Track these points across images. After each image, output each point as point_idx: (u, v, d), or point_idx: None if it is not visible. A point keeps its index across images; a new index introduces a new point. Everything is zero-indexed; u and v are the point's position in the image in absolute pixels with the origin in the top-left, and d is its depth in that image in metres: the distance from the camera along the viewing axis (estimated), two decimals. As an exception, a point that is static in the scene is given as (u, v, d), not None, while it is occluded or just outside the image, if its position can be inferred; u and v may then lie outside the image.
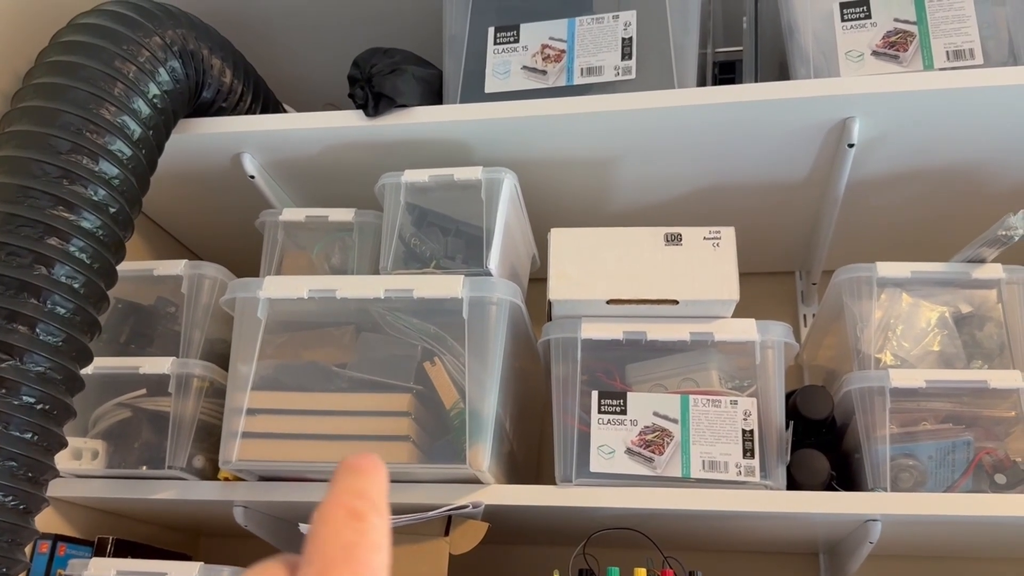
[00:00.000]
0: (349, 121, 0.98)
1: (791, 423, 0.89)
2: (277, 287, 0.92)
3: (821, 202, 1.06)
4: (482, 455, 0.86)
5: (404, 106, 0.97)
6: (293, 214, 1.02)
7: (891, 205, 1.07)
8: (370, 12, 1.20)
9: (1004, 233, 0.86)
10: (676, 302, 0.90)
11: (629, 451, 0.89)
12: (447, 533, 0.90)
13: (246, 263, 1.11)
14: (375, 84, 0.96)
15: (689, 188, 1.08)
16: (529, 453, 1.14)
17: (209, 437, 1.00)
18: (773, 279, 1.32)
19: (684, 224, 1.05)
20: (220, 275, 1.01)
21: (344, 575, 0.29)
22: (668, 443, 0.89)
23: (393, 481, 0.90)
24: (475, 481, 0.89)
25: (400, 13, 1.19)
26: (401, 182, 0.96)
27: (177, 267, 1.01)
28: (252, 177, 1.05)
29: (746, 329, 0.91)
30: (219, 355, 1.01)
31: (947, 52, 0.88)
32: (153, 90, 0.91)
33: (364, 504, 0.31)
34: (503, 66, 1.00)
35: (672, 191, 1.09)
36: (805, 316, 1.27)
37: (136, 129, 0.89)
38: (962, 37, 0.88)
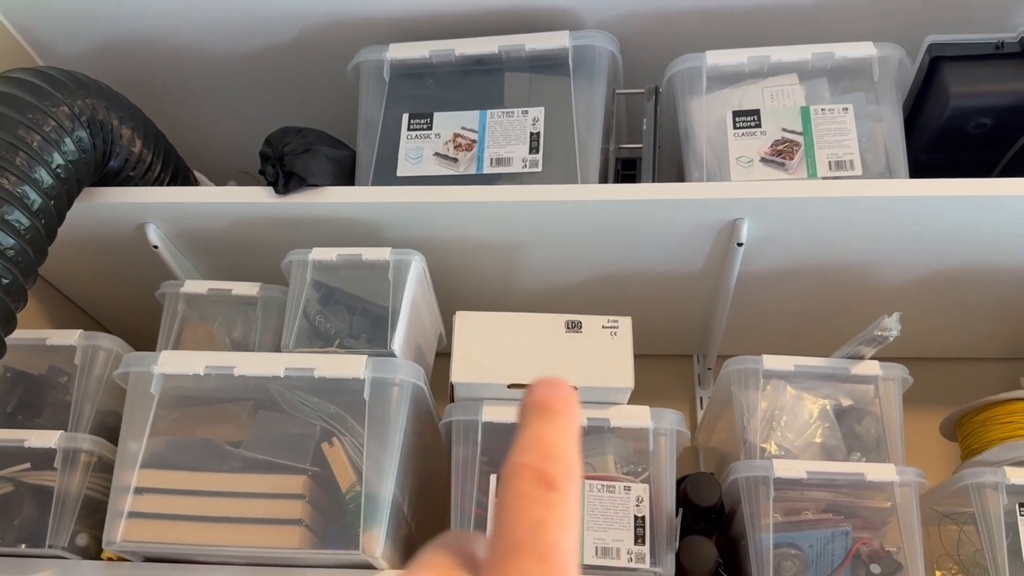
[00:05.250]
0: (258, 197, 0.99)
1: (680, 510, 0.92)
2: (173, 362, 0.91)
3: (715, 293, 1.11)
4: (376, 540, 0.86)
5: (315, 185, 0.98)
6: (195, 286, 1.01)
7: (781, 298, 1.13)
8: (287, 84, 1.22)
9: (880, 333, 0.92)
10: (575, 388, 0.92)
11: (524, 536, 0.90)
12: (338, 618, 0.88)
13: (150, 332, 1.09)
14: (287, 163, 0.97)
15: (593, 274, 1.12)
16: (429, 534, 1.13)
17: (95, 513, 0.96)
18: (674, 361, 1.37)
19: (588, 307, 1.09)
20: (116, 347, 0.99)
21: (530, 560, 0.24)
22: (562, 528, 0.90)
23: (284, 566, 0.89)
24: (369, 567, 0.88)
25: (317, 91, 1.21)
26: (308, 260, 0.96)
27: (71, 337, 0.98)
28: (155, 247, 1.04)
29: (640, 416, 0.94)
30: (110, 427, 0.98)
31: (830, 162, 0.95)
32: (57, 160, 0.90)
33: (557, 468, 0.26)
34: (416, 151, 1.02)
35: (577, 276, 1.13)
36: (701, 399, 1.31)
37: (36, 199, 0.87)
38: (843, 149, 0.95)
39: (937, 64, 0.95)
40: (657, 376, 1.36)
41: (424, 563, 0.27)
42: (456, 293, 1.14)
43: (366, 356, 0.90)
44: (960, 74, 0.93)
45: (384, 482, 0.88)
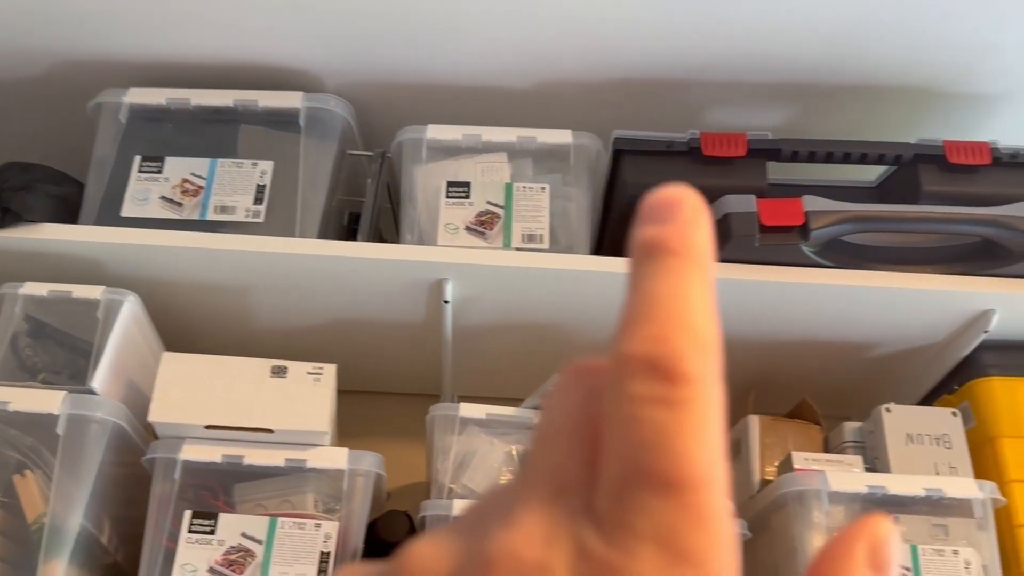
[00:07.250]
0: (-27, 230, 1.00)
1: (365, 547, 0.99)
2: None
3: (439, 342, 1.20)
4: (57, 571, 0.89)
5: (31, 222, 1.00)
6: (-97, 314, 1.01)
7: (500, 347, 1.24)
8: (34, 115, 1.24)
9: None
10: (271, 431, 0.99)
11: (211, 570, 0.95)
12: (15, 649, 0.90)
13: None
14: (4, 199, 0.99)
15: (327, 319, 1.19)
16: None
17: None
18: (422, 400, 1.43)
19: (325, 349, 1.14)
20: None
21: (655, 492, 0.17)
22: (250, 563, 0.96)
23: (-43, 596, 0.90)
24: (48, 597, 0.91)
25: (62, 125, 1.22)
26: (19, 294, 0.98)
27: None
28: None
29: (336, 458, 1.01)
30: None
31: (523, 235, 1.06)
32: None
33: (680, 347, 0.17)
34: (143, 193, 1.06)
35: (311, 320, 1.19)
36: (438, 438, 1.40)
37: None
38: (536, 224, 1.06)
39: (619, 156, 1.08)
40: (405, 413, 1.44)
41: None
42: (190, 333, 1.18)
43: (64, 393, 0.93)
44: (636, 167, 1.06)
45: (71, 514, 0.91)
